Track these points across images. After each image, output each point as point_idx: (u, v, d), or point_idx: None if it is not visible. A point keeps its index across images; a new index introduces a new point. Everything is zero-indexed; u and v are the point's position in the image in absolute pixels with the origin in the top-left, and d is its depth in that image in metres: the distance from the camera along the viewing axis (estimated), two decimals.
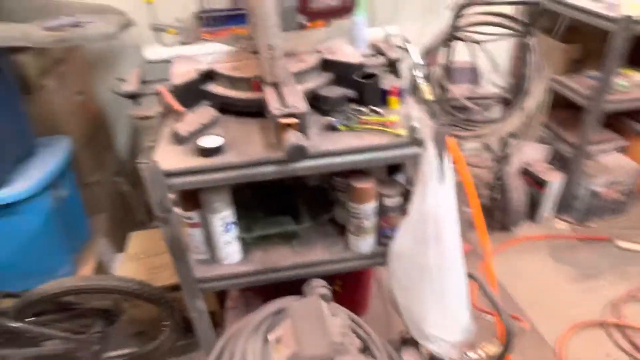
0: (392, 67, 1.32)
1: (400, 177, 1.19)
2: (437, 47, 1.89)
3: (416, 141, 1.00)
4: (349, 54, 1.23)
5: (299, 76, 1.13)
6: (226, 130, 1.05)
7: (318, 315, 0.87)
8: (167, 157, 0.97)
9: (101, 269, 1.77)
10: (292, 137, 0.90)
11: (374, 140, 1.01)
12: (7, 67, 1.41)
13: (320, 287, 1.03)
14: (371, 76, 1.12)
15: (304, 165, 0.97)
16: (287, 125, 0.92)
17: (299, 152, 0.88)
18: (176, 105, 1.07)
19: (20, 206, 1.37)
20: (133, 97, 1.10)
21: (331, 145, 1.00)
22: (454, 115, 1.91)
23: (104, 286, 1.38)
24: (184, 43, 1.82)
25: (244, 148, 0.99)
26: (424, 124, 1.02)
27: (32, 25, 1.46)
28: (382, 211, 1.14)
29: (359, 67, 1.16)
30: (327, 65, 1.21)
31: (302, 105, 0.95)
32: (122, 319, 1.56)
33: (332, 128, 1.05)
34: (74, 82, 1.82)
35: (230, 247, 1.14)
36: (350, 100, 1.12)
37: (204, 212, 1.07)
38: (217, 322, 1.45)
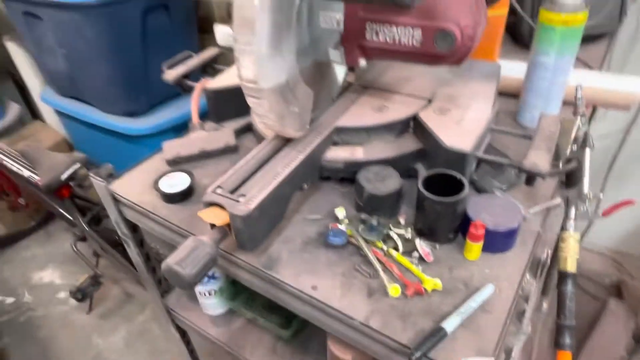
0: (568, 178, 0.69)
1: None
2: None
3: None
4: (467, 118, 0.68)
5: (356, 134, 0.70)
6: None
7: None
8: (139, 177, 0.78)
9: None
10: (171, 263, 0.52)
11: (358, 307, 0.55)
12: (180, 6, 1.41)
13: None
14: (456, 185, 0.58)
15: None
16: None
17: (176, 280, 0.53)
18: (193, 113, 0.83)
19: (143, 140, 1.43)
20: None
21: (292, 279, 0.59)
22: None
23: None
24: None
25: None
26: None
27: None
28: None
29: (457, 157, 0.62)
30: (417, 129, 0.71)
31: (257, 199, 0.57)
32: None
33: (325, 245, 0.62)
34: None
35: (205, 299, 0.91)
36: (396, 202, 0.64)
37: None
38: None
